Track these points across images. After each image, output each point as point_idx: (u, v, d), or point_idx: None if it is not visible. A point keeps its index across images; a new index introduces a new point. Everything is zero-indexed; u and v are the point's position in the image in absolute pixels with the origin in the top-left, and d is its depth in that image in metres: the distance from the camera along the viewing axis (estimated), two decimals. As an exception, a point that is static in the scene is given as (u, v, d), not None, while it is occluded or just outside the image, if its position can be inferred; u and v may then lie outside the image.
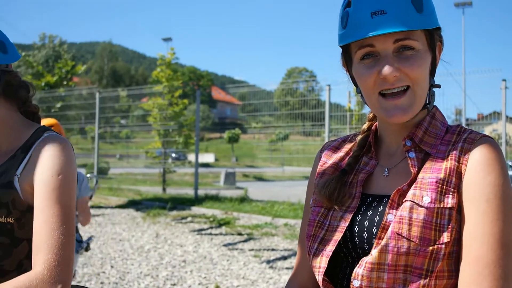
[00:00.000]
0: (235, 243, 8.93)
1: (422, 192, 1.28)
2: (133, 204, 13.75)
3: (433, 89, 1.44)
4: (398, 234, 1.25)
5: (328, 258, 1.36)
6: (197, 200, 13.92)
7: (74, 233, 1.53)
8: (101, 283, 6.19)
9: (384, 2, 1.30)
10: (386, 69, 1.31)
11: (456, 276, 1.29)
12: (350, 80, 1.50)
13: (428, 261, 1.24)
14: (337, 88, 13.65)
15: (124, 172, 26.74)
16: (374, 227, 1.33)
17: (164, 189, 16.74)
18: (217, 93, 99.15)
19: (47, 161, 1.54)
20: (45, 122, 4.74)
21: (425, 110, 1.44)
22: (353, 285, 1.29)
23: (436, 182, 1.29)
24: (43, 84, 21.08)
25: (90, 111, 18.85)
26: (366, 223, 1.35)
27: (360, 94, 1.46)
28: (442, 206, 1.27)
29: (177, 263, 7.29)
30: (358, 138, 1.56)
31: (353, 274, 1.29)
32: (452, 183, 1.29)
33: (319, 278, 1.36)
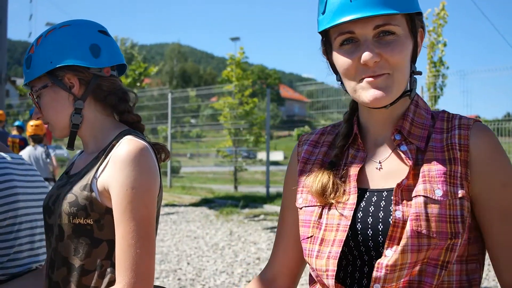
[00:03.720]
0: (308, 241, 8.88)
1: (433, 186, 1.26)
2: (206, 202, 13.94)
3: (415, 76, 1.39)
4: (418, 232, 1.23)
5: (337, 260, 1.30)
6: (269, 198, 13.96)
7: (153, 245, 1.55)
8: (178, 279, 6.32)
9: None
10: (366, 55, 1.26)
11: (479, 260, 1.34)
12: (330, 68, 1.45)
13: (445, 252, 1.24)
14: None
15: (195, 171, 27.14)
16: (380, 224, 1.29)
17: (235, 187, 16.89)
18: (285, 91, 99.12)
19: (121, 172, 1.53)
20: None
21: (407, 99, 1.41)
22: None
23: (443, 173, 1.28)
24: (117, 86, 21.61)
25: (161, 111, 19.24)
26: (370, 220, 1.30)
27: (340, 82, 1.41)
28: (453, 197, 1.26)
29: (252, 260, 7.34)
30: (341, 128, 1.49)
31: (372, 279, 1.25)
32: (459, 172, 1.28)
33: (330, 282, 1.31)
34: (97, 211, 1.57)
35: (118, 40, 46.02)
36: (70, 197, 1.59)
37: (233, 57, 16.96)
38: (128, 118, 1.78)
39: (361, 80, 1.30)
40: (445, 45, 12.13)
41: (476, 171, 1.29)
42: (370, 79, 1.29)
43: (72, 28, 1.71)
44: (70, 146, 1.78)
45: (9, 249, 2.02)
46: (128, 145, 1.57)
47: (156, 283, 6.13)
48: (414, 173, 1.31)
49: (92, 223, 1.57)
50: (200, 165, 34.02)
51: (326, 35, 1.39)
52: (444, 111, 1.42)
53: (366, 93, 1.30)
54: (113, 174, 1.55)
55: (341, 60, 1.33)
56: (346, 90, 1.39)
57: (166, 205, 13.22)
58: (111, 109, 1.77)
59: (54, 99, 1.70)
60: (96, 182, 1.59)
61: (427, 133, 1.37)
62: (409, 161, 1.32)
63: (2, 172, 2.02)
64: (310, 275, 1.48)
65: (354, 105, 1.50)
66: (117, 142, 1.62)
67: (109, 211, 1.57)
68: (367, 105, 1.33)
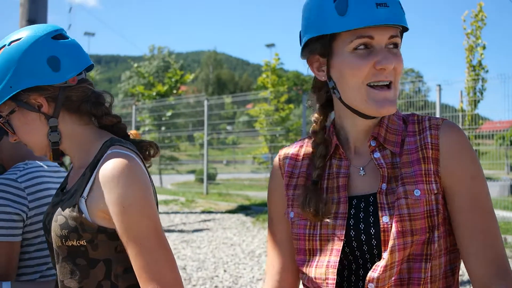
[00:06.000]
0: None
1: (412, 186, 1.36)
2: (242, 209, 13.92)
3: None
4: (403, 232, 1.32)
5: (336, 269, 1.38)
6: (305, 205, 13.86)
7: (169, 251, 1.51)
8: (215, 287, 6.31)
9: None
10: (388, 61, 1.34)
11: (450, 253, 1.40)
12: (317, 71, 1.49)
13: (426, 246, 1.34)
14: (445, 88, 13.15)
15: (231, 178, 27.22)
16: (372, 228, 1.37)
17: (271, 194, 16.82)
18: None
19: (112, 190, 1.47)
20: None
21: None
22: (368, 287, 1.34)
23: (420, 174, 1.37)
24: (154, 93, 21.93)
25: (197, 118, 19.36)
26: (362, 225, 1.38)
27: (332, 88, 1.44)
28: (430, 194, 1.35)
29: (289, 268, 7.26)
30: (317, 137, 1.54)
31: (367, 278, 1.34)
32: (432, 170, 1.37)
33: None
34: (89, 231, 1.51)
35: (155, 48, 46.46)
36: (60, 219, 1.54)
37: (269, 64, 17.00)
38: (107, 121, 1.69)
39: (371, 86, 1.37)
40: (484, 47, 11.90)
41: (446, 166, 1.37)
42: (383, 90, 1.37)
43: (23, 43, 1.58)
44: (56, 159, 1.70)
45: (47, 257, 2.03)
46: (113, 162, 1.51)
47: (193, 290, 6.13)
48: (394, 176, 1.40)
49: (85, 244, 1.52)
50: (236, 171, 34.16)
51: (331, 38, 1.41)
52: (413, 114, 1.50)
53: (378, 103, 1.37)
54: (104, 195, 1.49)
55: (355, 64, 1.36)
56: (340, 98, 1.43)
57: (203, 212, 13.27)
58: (88, 116, 1.68)
59: (25, 123, 1.62)
60: (85, 201, 1.53)
61: (401, 138, 1.45)
62: (382, 168, 1.41)
63: (39, 181, 2.03)
64: None
65: (320, 113, 1.56)
66: (102, 156, 1.56)
67: (102, 230, 1.52)
68: (374, 114, 1.39)
